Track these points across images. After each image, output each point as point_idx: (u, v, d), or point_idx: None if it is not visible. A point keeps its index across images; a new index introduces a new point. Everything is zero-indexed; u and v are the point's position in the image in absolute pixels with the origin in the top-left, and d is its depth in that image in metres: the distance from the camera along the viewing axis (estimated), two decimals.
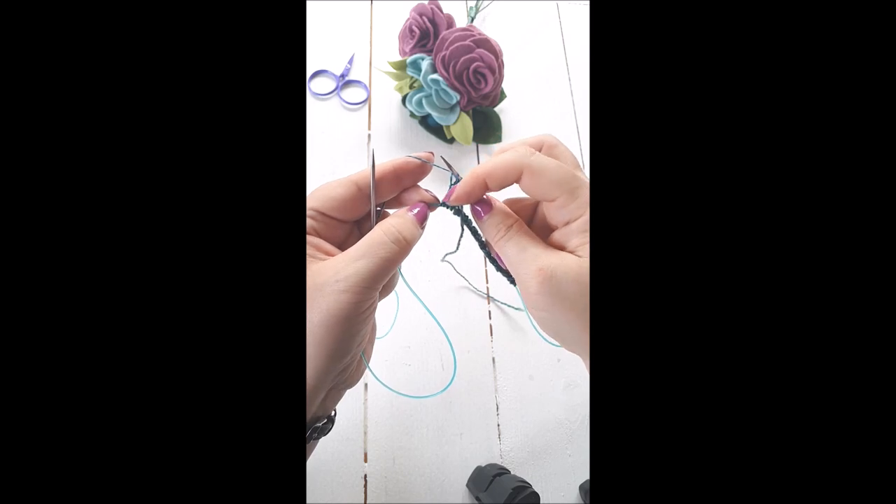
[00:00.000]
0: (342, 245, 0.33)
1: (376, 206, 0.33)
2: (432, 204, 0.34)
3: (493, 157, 0.31)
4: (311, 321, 0.29)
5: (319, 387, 0.31)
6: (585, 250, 0.29)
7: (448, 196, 0.33)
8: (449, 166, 0.34)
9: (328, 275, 0.29)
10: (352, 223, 0.34)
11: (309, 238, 0.32)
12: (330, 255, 0.32)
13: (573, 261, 0.29)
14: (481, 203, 0.33)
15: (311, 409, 0.32)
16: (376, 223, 0.32)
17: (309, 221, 0.32)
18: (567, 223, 0.30)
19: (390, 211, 0.35)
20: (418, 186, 0.34)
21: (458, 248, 0.37)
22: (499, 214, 0.32)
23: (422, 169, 0.34)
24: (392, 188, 0.34)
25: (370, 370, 0.36)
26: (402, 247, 0.31)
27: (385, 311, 0.46)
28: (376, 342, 0.38)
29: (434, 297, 0.55)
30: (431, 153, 0.34)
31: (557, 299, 0.29)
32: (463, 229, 0.35)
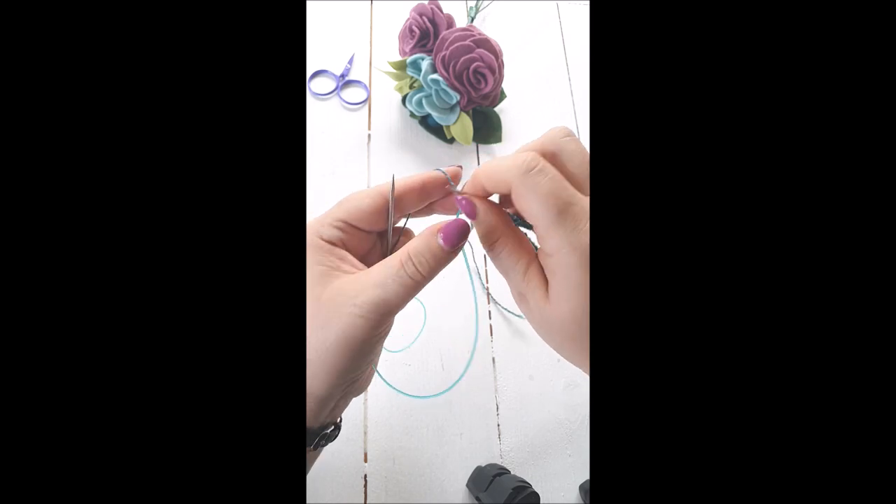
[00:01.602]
0: (365, 257, 0.32)
1: (405, 216, 0.32)
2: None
3: (497, 160, 0.29)
4: (326, 340, 0.29)
5: (329, 399, 0.31)
6: (556, 292, 0.27)
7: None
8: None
9: (348, 295, 0.29)
10: (376, 234, 0.33)
11: (335, 249, 0.31)
12: (354, 268, 0.31)
13: (540, 302, 0.28)
14: (467, 207, 0.30)
15: (321, 418, 0.32)
16: (393, 244, 0.32)
17: (336, 233, 0.31)
18: (545, 253, 0.28)
19: (412, 226, 0.34)
20: (452, 192, 0.32)
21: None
22: (483, 226, 0.30)
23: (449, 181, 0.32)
24: (419, 201, 0.32)
25: (382, 378, 0.36)
26: (417, 280, 0.29)
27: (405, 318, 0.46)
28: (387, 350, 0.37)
29: (434, 297, 0.55)
30: (460, 167, 0.32)
31: (535, 325, 0.30)
32: None
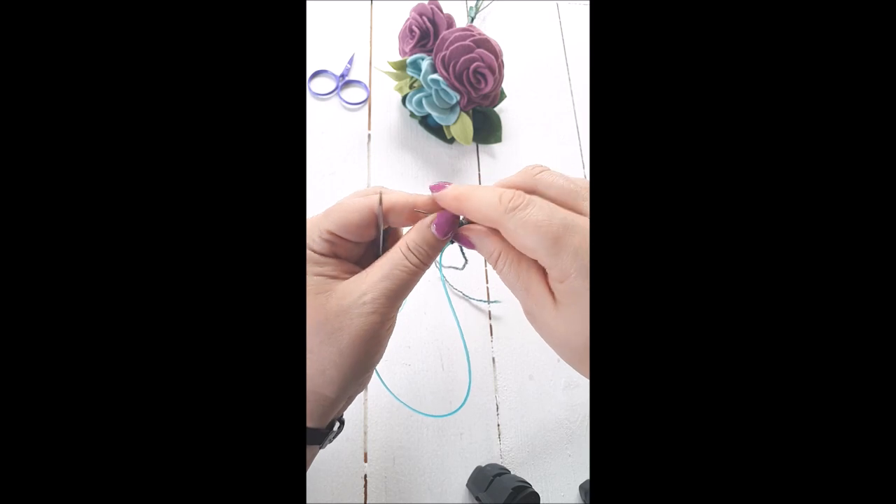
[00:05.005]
0: (360, 260, 0.33)
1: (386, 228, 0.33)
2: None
3: (475, 191, 0.29)
4: (340, 342, 0.30)
5: (340, 400, 0.32)
6: (569, 314, 0.27)
7: (436, 188, 0.31)
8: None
9: (354, 297, 0.30)
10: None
11: (328, 259, 0.32)
12: (350, 273, 0.32)
13: (550, 320, 0.28)
14: (465, 242, 0.32)
15: (331, 417, 0.33)
16: (387, 246, 0.33)
17: (326, 245, 0.31)
18: (554, 279, 0.28)
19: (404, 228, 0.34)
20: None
21: (465, 262, 0.36)
22: (485, 246, 0.31)
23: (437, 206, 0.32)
24: (406, 219, 0.33)
25: (387, 388, 0.36)
26: (419, 267, 0.31)
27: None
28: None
29: (434, 297, 0.55)
30: (448, 183, 0.32)
31: (547, 340, 0.30)
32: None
